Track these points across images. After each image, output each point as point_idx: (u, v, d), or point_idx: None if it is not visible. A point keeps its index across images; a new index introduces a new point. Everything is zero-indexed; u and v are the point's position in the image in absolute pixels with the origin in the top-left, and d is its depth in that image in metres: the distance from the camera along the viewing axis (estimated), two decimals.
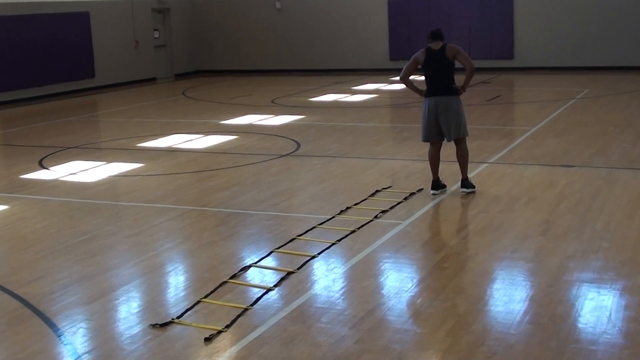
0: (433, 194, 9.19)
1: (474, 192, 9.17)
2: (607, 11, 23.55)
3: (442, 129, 9.10)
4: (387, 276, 6.77)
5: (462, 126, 9.12)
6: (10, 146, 15.02)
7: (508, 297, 6.12)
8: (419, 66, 9.18)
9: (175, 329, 5.70)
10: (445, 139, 9.20)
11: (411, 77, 9.24)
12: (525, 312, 5.78)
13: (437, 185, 9.27)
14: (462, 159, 9.23)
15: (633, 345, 5.20)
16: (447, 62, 9.01)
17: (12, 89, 21.03)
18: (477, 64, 23.47)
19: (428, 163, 9.31)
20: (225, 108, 18.79)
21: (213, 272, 6.90)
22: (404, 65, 9.24)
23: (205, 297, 6.26)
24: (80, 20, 23.09)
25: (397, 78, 21.94)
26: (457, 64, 9.19)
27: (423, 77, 9.28)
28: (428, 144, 9.31)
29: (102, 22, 23.91)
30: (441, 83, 9.05)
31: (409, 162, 11.17)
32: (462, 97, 9.24)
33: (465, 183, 9.22)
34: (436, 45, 9.05)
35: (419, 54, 9.13)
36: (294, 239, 7.73)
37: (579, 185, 9.53)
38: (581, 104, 16.99)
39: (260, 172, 11.07)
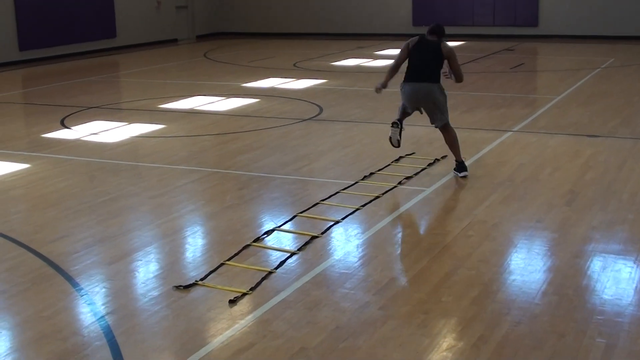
0: (392, 125, 8.77)
1: (466, 176, 8.56)
2: None
3: (428, 116, 8.68)
4: (411, 243, 6.73)
5: (444, 113, 8.61)
6: (32, 105, 15.05)
7: (533, 267, 6.07)
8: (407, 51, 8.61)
9: (198, 291, 5.69)
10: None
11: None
12: (550, 283, 5.74)
13: (399, 124, 8.76)
14: (452, 144, 8.67)
15: None
16: (439, 55, 8.45)
17: (34, 47, 20.97)
18: (501, 31, 23.15)
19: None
20: (246, 71, 18.70)
21: (236, 235, 6.88)
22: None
23: (229, 259, 6.25)
24: None
25: None
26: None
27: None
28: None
29: None
30: (425, 72, 8.47)
31: (431, 129, 10.98)
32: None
33: (462, 166, 8.62)
34: (432, 38, 8.57)
35: (410, 40, 8.62)
36: (317, 203, 7.69)
37: (604, 156, 9.43)
38: (606, 73, 16.78)
39: (283, 136, 11.02)
